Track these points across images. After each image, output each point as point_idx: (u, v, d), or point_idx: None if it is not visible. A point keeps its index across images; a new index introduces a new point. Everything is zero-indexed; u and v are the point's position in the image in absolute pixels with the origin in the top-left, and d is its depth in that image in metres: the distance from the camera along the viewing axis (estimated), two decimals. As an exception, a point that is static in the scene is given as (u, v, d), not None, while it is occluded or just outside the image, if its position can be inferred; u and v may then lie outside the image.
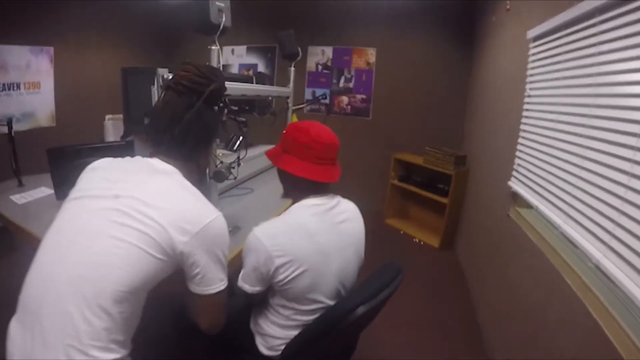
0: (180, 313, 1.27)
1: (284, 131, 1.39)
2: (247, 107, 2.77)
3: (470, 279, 3.34)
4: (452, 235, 4.12)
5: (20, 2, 3.67)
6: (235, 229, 1.84)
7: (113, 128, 4.74)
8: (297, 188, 1.36)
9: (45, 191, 2.27)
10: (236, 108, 2.52)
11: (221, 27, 1.77)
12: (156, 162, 1.13)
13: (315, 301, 1.30)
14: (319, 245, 1.27)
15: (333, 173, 1.36)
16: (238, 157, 2.02)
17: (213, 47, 1.80)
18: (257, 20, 5.15)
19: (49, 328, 0.88)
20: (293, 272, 1.22)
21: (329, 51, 4.97)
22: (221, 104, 1.33)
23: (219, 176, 1.77)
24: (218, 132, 1.31)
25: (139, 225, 0.95)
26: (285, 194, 1.48)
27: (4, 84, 3.71)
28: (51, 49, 4.11)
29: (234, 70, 5.46)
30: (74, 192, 1.09)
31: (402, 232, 4.50)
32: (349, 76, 4.93)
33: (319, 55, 5.02)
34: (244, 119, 2.88)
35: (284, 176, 1.39)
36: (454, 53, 4.44)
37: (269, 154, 1.44)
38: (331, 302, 1.33)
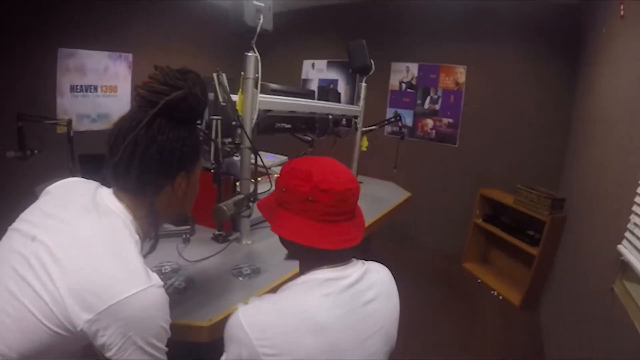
0: None
1: (278, 174, 1.00)
2: (303, 126, 2.43)
3: (550, 353, 2.72)
4: (537, 294, 3.44)
5: (101, 11, 3.94)
6: (254, 272, 1.53)
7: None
8: (307, 256, 0.97)
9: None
10: (289, 126, 2.23)
11: (258, 29, 1.56)
12: (105, 195, 0.91)
13: None
14: (329, 340, 0.86)
15: (350, 232, 0.95)
16: (255, 190, 1.64)
17: (249, 54, 1.60)
18: (339, 34, 4.96)
19: None
20: None
21: (414, 68, 4.58)
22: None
23: (218, 214, 1.43)
24: (191, 159, 0.97)
25: (38, 285, 0.76)
26: (290, 257, 1.07)
27: (81, 86, 4.01)
28: (130, 56, 4.37)
29: (314, 85, 5.34)
30: (17, 219, 0.92)
31: (479, 280, 3.94)
32: (435, 97, 4.49)
33: (403, 72, 4.66)
34: (309, 139, 2.62)
35: (284, 240, 1.01)
36: (555, 75, 3.83)
37: (261, 206, 1.05)
38: None
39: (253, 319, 0.85)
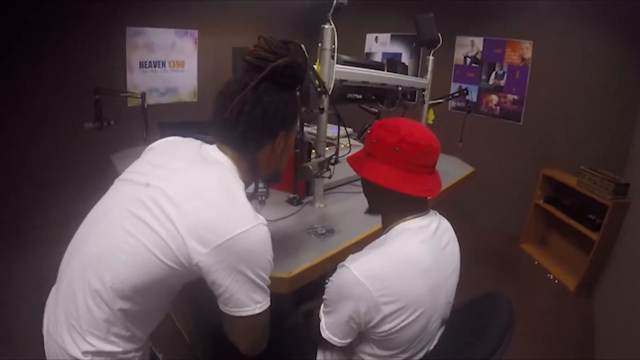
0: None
1: (368, 130, 1.13)
2: (373, 97, 2.51)
3: (601, 341, 2.66)
4: (594, 280, 3.33)
5: None
6: (329, 232, 1.58)
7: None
8: (388, 204, 1.10)
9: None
10: (360, 96, 2.32)
11: (334, 3, 1.60)
12: (210, 149, 1.01)
13: (419, 346, 1.04)
14: (432, 281, 1.00)
15: (429, 184, 1.06)
16: (336, 154, 1.76)
17: (326, 26, 1.65)
18: (402, 7, 4.84)
19: (60, 302, 0.90)
20: (404, 320, 0.94)
21: (479, 43, 4.41)
22: (317, 87, 1.16)
23: (305, 173, 1.56)
24: (290, 121, 1.06)
25: (156, 224, 0.84)
26: (371, 210, 1.24)
27: (150, 62, 4.26)
28: (195, 32, 4.54)
29: (377, 58, 5.25)
30: (124, 172, 1.03)
31: (536, 262, 3.86)
32: (501, 72, 4.31)
33: (468, 46, 4.50)
34: (376, 110, 2.69)
35: (368, 187, 1.14)
36: (628, 57, 3.52)
37: (351, 158, 1.18)
38: (432, 341, 1.09)
39: (370, 272, 0.94)
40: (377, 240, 1.07)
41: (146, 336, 0.97)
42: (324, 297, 1.04)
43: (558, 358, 2.58)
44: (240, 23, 4.88)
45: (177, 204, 0.85)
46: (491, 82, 4.41)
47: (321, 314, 1.06)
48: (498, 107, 4.41)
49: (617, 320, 2.50)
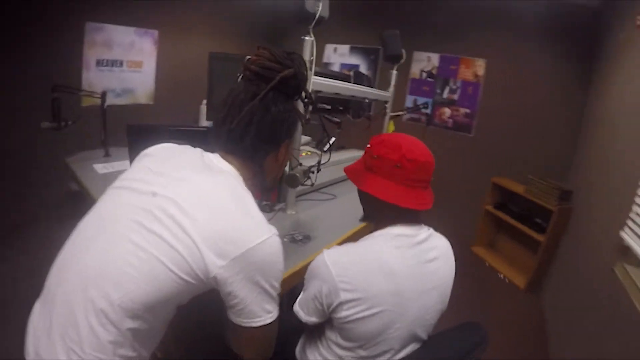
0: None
1: (368, 145, 1.19)
2: (341, 108, 2.62)
3: (552, 333, 2.90)
4: (541, 278, 3.62)
5: None
6: (306, 238, 1.65)
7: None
8: (382, 214, 1.16)
9: (128, 165, 2.32)
10: (329, 107, 2.41)
11: (316, 16, 1.69)
12: (213, 158, 0.99)
13: (378, 349, 1.08)
14: (397, 286, 1.05)
15: (426, 198, 1.14)
16: (319, 162, 1.87)
17: (307, 38, 1.74)
18: (363, 20, 5.04)
19: (55, 324, 0.80)
20: (359, 312, 1.02)
21: (435, 58, 4.69)
22: (305, 98, 1.16)
23: (292, 181, 1.62)
24: (294, 129, 1.11)
25: (169, 236, 0.80)
26: (366, 218, 1.29)
27: (107, 60, 4.03)
28: (155, 32, 4.38)
29: (335, 69, 5.39)
30: (119, 180, 0.98)
31: (487, 263, 4.12)
32: (454, 87, 4.60)
33: (425, 61, 4.77)
34: (338, 120, 2.80)
35: (366, 199, 1.20)
36: (571, 74, 3.89)
37: (348, 170, 1.25)
38: (398, 352, 1.12)
39: (336, 259, 1.05)
40: (360, 239, 1.17)
41: (149, 356, 0.91)
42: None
43: (513, 345, 2.78)
44: (201, 26, 4.83)
45: (189, 214, 0.82)
46: (445, 95, 4.67)
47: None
48: (451, 120, 4.67)
49: (565, 311, 2.75)
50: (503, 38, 4.22)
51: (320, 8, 1.68)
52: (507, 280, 3.79)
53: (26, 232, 3.25)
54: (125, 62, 4.19)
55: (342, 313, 1.03)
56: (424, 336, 1.18)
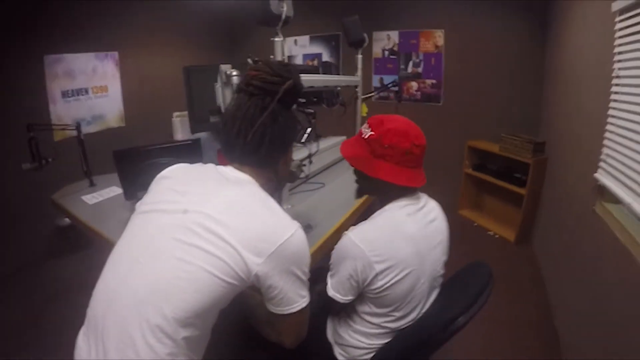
0: (242, 320, 1.23)
1: (372, 133, 1.27)
2: (314, 99, 2.69)
3: (547, 279, 3.08)
4: (529, 229, 3.82)
5: (83, 12, 3.87)
6: (307, 228, 1.71)
7: (181, 125, 4.88)
8: (389, 192, 1.30)
9: (116, 190, 2.35)
10: (304, 100, 2.48)
11: (283, 17, 1.73)
12: (229, 171, 1.06)
13: (410, 305, 1.25)
14: (417, 247, 1.21)
15: (422, 175, 1.32)
16: (310, 154, 1.97)
17: (276, 39, 1.77)
18: (318, 9, 5.06)
19: (110, 349, 0.84)
20: (393, 277, 1.17)
21: (394, 36, 4.77)
22: (301, 103, 1.23)
23: (291, 177, 1.70)
24: (296, 134, 1.21)
25: (209, 246, 0.88)
26: (361, 194, 1.43)
27: (72, 90, 3.94)
28: (116, 54, 4.31)
29: (298, 61, 5.46)
30: (143, 205, 1.04)
31: (475, 224, 4.30)
32: (417, 60, 4.70)
33: (385, 40, 4.84)
34: (312, 111, 2.86)
35: (372, 182, 1.29)
36: (527, 32, 4.03)
37: (353, 159, 1.33)
38: (425, 304, 1.30)
39: (363, 236, 1.19)
40: (372, 215, 1.29)
41: None
42: (329, 263, 1.27)
43: (515, 294, 2.96)
44: (161, 41, 4.80)
45: (223, 223, 0.90)
46: (410, 70, 4.77)
47: (328, 278, 1.28)
48: (419, 92, 4.79)
49: (556, 256, 2.91)
50: (457, 5, 4.31)
51: (285, 9, 1.72)
52: (497, 236, 3.96)
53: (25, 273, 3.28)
54: (90, 88, 4.10)
55: (379, 283, 1.16)
56: (438, 285, 1.37)
